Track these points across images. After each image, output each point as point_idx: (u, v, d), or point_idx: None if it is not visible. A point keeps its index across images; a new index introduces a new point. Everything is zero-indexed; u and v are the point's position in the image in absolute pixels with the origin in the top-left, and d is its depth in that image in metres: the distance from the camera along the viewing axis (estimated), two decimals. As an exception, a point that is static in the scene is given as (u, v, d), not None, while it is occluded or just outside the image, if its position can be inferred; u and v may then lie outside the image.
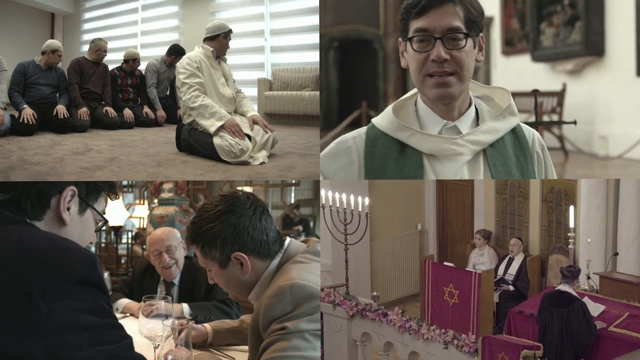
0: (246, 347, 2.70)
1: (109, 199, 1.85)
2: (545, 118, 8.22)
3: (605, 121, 8.29)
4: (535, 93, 5.14)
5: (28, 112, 5.17)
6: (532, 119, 5.71)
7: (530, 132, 1.95)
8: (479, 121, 1.90)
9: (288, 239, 2.08)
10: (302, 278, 1.89)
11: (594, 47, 8.33)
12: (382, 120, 1.94)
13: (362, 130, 1.97)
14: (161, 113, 6.15)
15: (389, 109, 1.95)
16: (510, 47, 10.36)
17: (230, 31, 4.58)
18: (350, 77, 12.09)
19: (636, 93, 7.86)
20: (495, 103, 1.95)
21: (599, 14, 8.28)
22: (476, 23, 1.80)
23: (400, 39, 1.87)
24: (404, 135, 1.89)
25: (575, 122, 5.28)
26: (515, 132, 1.93)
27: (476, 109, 1.92)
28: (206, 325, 2.82)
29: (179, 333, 2.36)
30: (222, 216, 2.00)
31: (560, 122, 7.45)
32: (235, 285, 2.06)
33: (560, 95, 8.70)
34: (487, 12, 10.40)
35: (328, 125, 10.86)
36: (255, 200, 2.07)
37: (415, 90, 1.94)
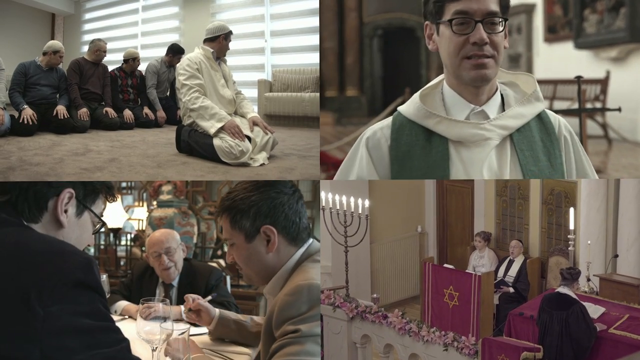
0: (245, 349, 2.71)
1: (107, 202, 1.84)
2: (588, 106, 8.00)
3: (650, 109, 8.10)
4: (578, 80, 5.06)
5: (28, 113, 5.16)
6: (575, 106, 5.61)
7: (555, 118, 1.97)
8: (505, 107, 1.92)
9: (311, 239, 2.07)
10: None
11: (639, 34, 8.06)
12: (409, 108, 1.95)
13: (389, 119, 1.97)
14: (161, 114, 6.14)
15: (416, 96, 1.96)
16: (553, 34, 10.11)
17: (230, 32, 4.58)
18: (394, 64, 12.16)
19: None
20: (520, 89, 1.97)
21: (645, -1, 8.02)
22: (508, 9, 1.83)
23: (427, 22, 1.88)
24: (432, 123, 1.89)
25: (619, 109, 5.20)
26: (541, 118, 1.95)
27: (501, 95, 1.94)
28: (216, 309, 2.82)
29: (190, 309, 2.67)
30: (261, 187, 2.02)
31: (604, 109, 7.24)
32: (255, 264, 2.02)
33: (603, 82, 8.46)
34: (530, -1, 10.26)
35: (372, 112, 10.95)
36: (295, 185, 2.10)
37: (439, 77, 1.95)
